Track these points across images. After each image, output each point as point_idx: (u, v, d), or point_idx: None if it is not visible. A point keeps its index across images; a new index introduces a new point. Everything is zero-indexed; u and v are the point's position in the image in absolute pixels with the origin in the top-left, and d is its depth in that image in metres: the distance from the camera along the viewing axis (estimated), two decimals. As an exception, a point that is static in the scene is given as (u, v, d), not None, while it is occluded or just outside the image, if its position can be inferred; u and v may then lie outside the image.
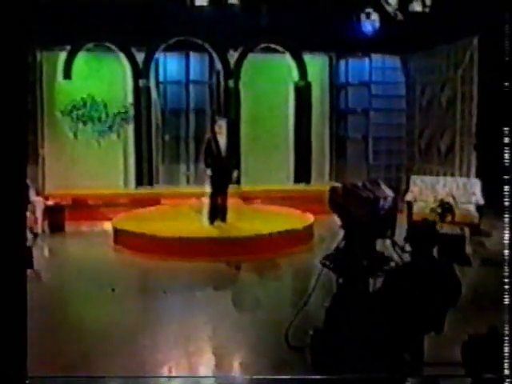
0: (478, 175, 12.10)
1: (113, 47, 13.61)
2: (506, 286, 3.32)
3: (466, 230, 10.19)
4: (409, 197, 11.43)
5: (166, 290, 7.83)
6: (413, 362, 5.09)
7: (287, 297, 7.66)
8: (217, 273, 8.76)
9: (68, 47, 13.36)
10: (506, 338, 3.18)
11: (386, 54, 14.60)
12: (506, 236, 3.44)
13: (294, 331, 5.95)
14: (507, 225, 3.46)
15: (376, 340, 5.02)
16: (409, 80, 14.64)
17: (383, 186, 5.80)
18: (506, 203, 3.55)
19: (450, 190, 11.13)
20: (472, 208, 10.78)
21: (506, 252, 3.39)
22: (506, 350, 3.16)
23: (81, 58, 13.47)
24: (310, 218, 10.88)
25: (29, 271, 7.97)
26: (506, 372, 3.14)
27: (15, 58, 2.93)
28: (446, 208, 10.13)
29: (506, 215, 3.49)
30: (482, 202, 10.89)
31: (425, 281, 4.80)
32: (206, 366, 5.89)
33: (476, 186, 11.26)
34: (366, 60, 14.66)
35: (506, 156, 3.64)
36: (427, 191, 11.31)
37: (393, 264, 5.40)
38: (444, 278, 4.86)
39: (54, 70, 13.57)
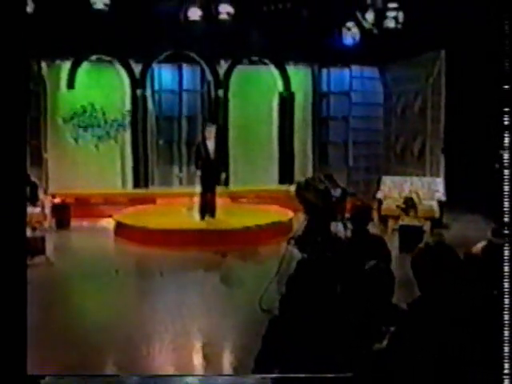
0: (445, 175, 13.76)
1: (112, 59, 15.22)
2: (506, 287, 3.25)
3: (428, 223, 11.86)
4: (379, 195, 13.10)
5: (163, 273, 9.52)
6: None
7: (264, 276, 9.27)
8: (206, 259, 10.41)
9: (70, 59, 14.84)
10: (506, 338, 3.17)
11: (365, 65, 16.21)
12: (506, 236, 3.35)
13: (266, 298, 7.59)
14: (507, 226, 3.34)
15: (328, 298, 6.65)
16: (386, 89, 16.27)
17: (336, 180, 7.52)
18: (506, 203, 3.37)
19: (415, 188, 12.79)
20: (434, 204, 12.45)
21: (506, 253, 3.31)
22: (506, 350, 3.16)
23: (82, 69, 15.00)
24: (289, 214, 12.51)
25: (42, 257, 9.79)
26: (506, 372, 3.17)
27: (16, 67, 3.00)
28: (409, 204, 11.78)
29: (506, 216, 3.36)
30: (443, 198, 12.59)
31: (362, 250, 6.45)
32: (196, 324, 7.57)
33: (439, 184, 12.98)
34: (347, 70, 16.26)
35: (506, 156, 3.41)
36: (395, 190, 12.99)
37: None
38: (376, 247, 6.52)
39: (56, 80, 15.07)
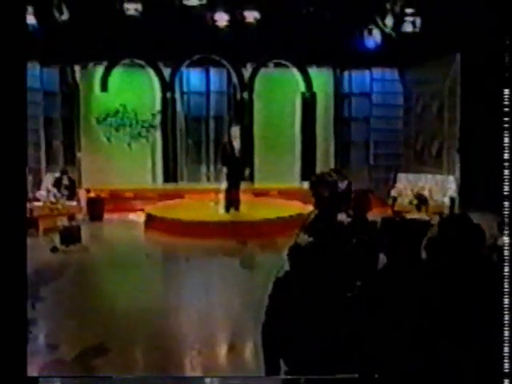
0: (461, 174, 14.75)
1: (143, 63, 16.61)
2: (506, 287, 3.32)
3: (437, 218, 12.99)
4: (394, 191, 14.26)
5: (189, 258, 10.86)
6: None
7: (281, 261, 10.54)
8: (230, 247, 11.60)
9: (104, 63, 16.27)
10: (506, 338, 3.23)
11: (386, 67, 17.23)
12: (506, 235, 3.46)
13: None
14: (507, 225, 3.45)
15: (329, 277, 7.80)
16: (406, 90, 17.26)
17: (343, 174, 8.73)
18: (506, 203, 3.47)
19: (429, 185, 13.93)
20: (446, 200, 13.57)
21: (506, 252, 3.40)
22: (506, 350, 3.22)
23: (115, 73, 16.41)
24: (309, 208, 13.66)
25: (78, 244, 11.19)
26: (506, 372, 3.22)
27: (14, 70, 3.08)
28: (421, 200, 12.94)
29: (506, 215, 3.46)
30: (454, 195, 13.71)
31: (359, 232, 7.63)
32: (219, 298, 8.87)
33: (451, 182, 14.08)
34: (368, 73, 17.35)
35: (506, 156, 3.53)
36: (410, 187, 14.12)
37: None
38: (372, 231, 7.70)
39: (90, 83, 16.51)
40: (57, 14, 13.61)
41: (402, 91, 17.35)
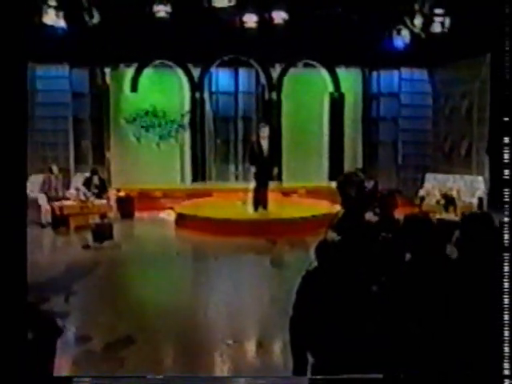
0: (490, 175, 14.86)
1: (172, 64, 16.93)
2: (506, 287, 3.38)
3: (464, 218, 13.19)
4: (422, 191, 14.46)
5: (218, 256, 11.19)
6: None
7: (308, 258, 10.82)
8: (259, 245, 11.96)
9: (134, 65, 16.59)
10: (506, 338, 3.28)
11: (415, 67, 17.29)
12: (506, 236, 3.50)
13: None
14: (507, 225, 3.50)
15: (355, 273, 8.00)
16: (434, 91, 17.30)
17: (369, 174, 9.01)
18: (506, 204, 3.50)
19: (458, 186, 14.11)
20: (474, 201, 13.74)
21: (506, 252, 3.43)
22: (506, 350, 3.28)
23: (145, 74, 16.71)
24: (336, 207, 13.92)
25: (110, 241, 11.56)
26: (506, 372, 3.27)
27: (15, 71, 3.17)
28: (449, 200, 13.12)
29: (506, 215, 3.52)
30: (482, 195, 13.87)
31: (385, 230, 7.88)
32: (248, 295, 9.19)
33: (480, 183, 14.24)
34: (396, 72, 17.45)
35: (506, 156, 3.59)
36: (438, 187, 14.31)
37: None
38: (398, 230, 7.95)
39: (120, 84, 16.87)
40: (87, 18, 13.98)
41: (431, 91, 17.37)
